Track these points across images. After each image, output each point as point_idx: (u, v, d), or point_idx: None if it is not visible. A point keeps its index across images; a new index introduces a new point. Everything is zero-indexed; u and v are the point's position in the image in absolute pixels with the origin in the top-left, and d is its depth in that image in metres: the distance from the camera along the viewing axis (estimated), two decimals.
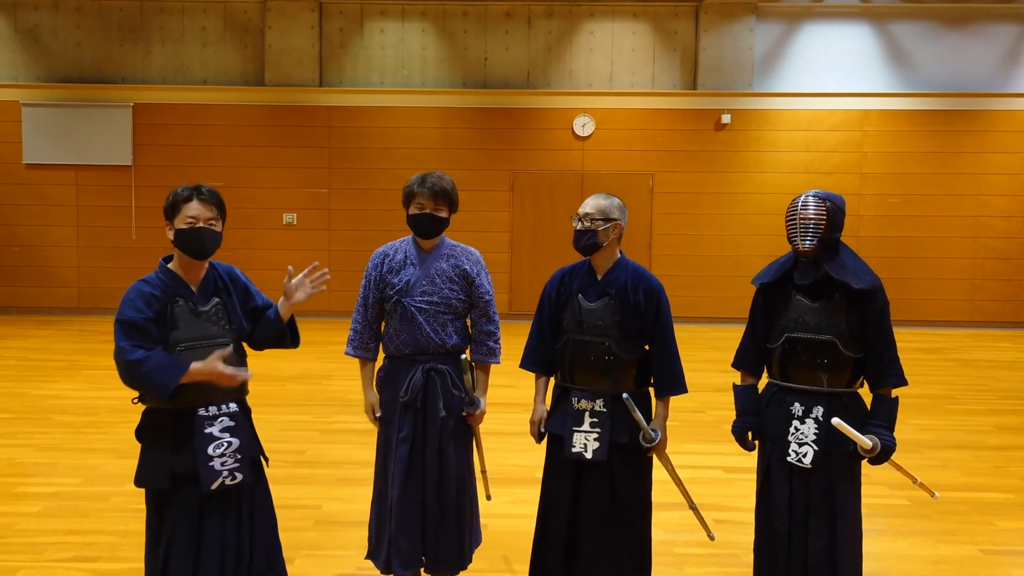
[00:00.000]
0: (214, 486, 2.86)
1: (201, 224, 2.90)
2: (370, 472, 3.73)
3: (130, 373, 2.76)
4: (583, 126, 11.84)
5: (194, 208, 2.90)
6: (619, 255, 3.44)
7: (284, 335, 3.16)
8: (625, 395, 3.23)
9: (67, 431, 6.24)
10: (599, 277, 3.40)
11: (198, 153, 11.72)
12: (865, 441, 3.05)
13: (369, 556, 3.62)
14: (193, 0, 11.85)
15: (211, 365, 2.79)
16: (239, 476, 2.91)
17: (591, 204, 3.38)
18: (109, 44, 11.90)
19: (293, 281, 3.12)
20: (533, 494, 3.57)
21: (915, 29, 11.85)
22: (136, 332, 2.80)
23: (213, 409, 2.90)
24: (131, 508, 4.71)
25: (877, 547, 4.30)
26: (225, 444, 2.89)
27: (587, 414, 3.31)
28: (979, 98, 11.78)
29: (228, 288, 3.04)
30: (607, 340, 3.31)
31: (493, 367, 3.65)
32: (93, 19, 11.88)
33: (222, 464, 2.87)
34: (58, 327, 10.96)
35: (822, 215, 3.13)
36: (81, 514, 4.62)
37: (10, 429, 6.28)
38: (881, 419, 3.14)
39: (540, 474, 3.51)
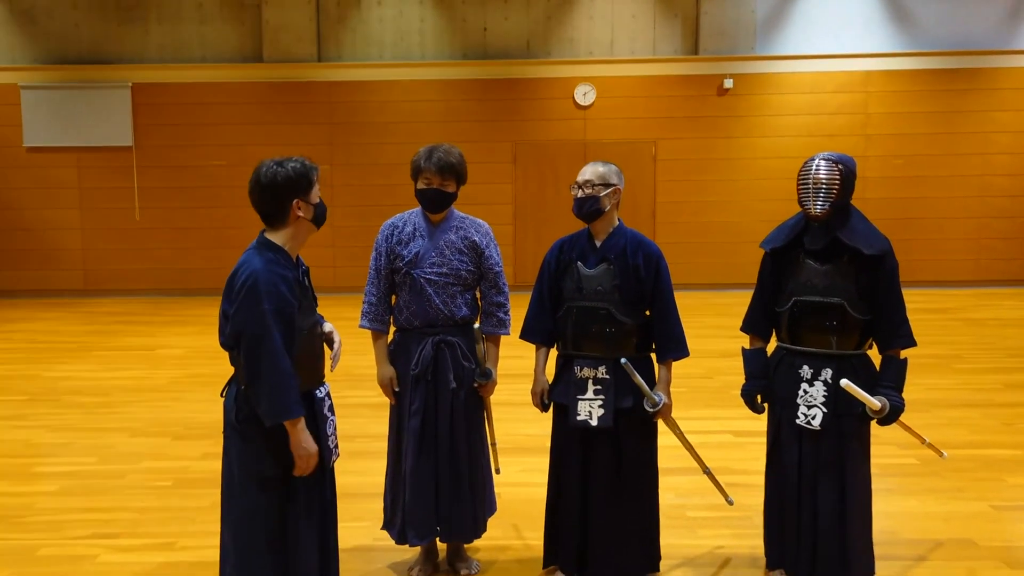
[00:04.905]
0: (332, 464, 2.92)
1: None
2: (383, 445, 3.76)
3: (268, 379, 2.62)
4: (584, 95, 11.76)
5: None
6: (617, 222, 3.45)
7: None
8: (624, 360, 3.24)
9: (80, 411, 6.29)
10: (598, 244, 3.41)
11: (199, 132, 11.62)
12: (874, 402, 3.06)
13: (385, 527, 3.67)
14: None
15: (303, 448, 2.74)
16: (338, 452, 3.00)
17: (590, 171, 3.39)
18: (106, 24, 11.81)
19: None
20: (544, 462, 3.60)
21: None
22: (288, 327, 2.66)
23: (324, 389, 2.93)
24: (148, 485, 4.77)
25: (888, 506, 4.34)
26: (332, 423, 2.94)
27: (590, 382, 3.33)
28: (982, 56, 11.65)
29: (306, 268, 2.94)
30: (607, 305, 3.32)
31: (502, 338, 3.68)
32: None
33: (332, 443, 2.92)
34: (66, 309, 11.01)
35: (835, 179, 3.11)
36: (98, 492, 4.68)
37: (24, 411, 6.34)
38: (890, 380, 3.16)
39: (549, 443, 3.54)
